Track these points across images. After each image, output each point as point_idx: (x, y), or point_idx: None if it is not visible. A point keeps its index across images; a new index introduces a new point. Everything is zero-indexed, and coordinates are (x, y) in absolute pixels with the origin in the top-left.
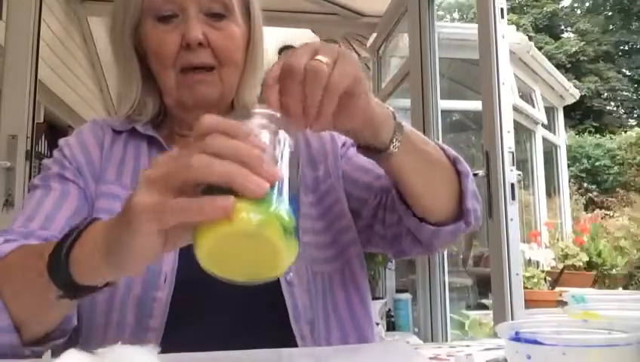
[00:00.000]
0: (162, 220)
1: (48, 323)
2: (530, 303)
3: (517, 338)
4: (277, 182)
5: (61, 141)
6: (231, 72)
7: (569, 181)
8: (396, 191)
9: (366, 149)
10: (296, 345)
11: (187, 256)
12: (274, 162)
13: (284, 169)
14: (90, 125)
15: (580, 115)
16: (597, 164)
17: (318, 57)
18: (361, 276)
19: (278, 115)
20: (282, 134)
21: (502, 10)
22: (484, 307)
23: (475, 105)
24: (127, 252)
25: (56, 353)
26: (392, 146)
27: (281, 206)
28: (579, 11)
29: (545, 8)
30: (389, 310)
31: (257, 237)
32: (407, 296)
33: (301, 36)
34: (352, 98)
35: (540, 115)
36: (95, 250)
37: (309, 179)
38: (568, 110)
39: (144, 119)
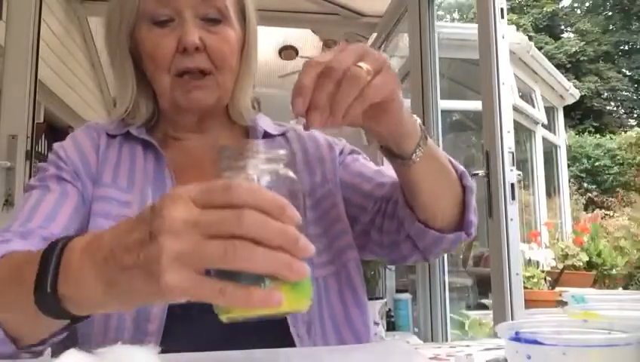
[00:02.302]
0: (194, 296)
1: (45, 333)
2: (530, 303)
3: (517, 338)
4: None
5: (56, 145)
6: (226, 76)
7: (569, 181)
8: (402, 197)
9: (388, 152)
10: (294, 345)
11: None
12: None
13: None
14: (85, 129)
15: (580, 115)
16: (597, 164)
17: (362, 64)
18: (358, 281)
19: (282, 151)
20: (290, 173)
21: (502, 10)
22: (484, 307)
23: (475, 105)
24: (143, 301)
25: (56, 352)
26: (414, 156)
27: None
28: (579, 11)
29: (545, 8)
30: (389, 310)
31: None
32: (407, 296)
33: (301, 36)
34: (384, 108)
35: (540, 115)
36: (93, 291)
37: (306, 183)
38: (568, 110)
39: (138, 122)
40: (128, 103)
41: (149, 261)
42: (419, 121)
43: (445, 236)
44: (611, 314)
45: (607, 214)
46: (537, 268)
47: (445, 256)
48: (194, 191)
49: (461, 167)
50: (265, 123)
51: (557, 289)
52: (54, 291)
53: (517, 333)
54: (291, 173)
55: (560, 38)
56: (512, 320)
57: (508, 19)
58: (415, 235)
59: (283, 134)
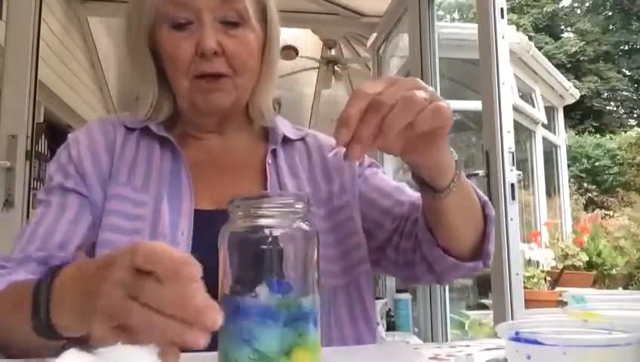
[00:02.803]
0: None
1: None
2: (530, 303)
3: (517, 338)
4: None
5: (70, 137)
6: (245, 78)
7: (569, 181)
8: (423, 219)
9: (420, 182)
10: None
11: None
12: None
13: (312, 272)
14: (100, 122)
15: (580, 115)
16: (597, 164)
17: (419, 92)
18: (368, 295)
19: (299, 206)
20: (303, 225)
21: (502, 10)
22: (484, 307)
23: (475, 105)
24: None
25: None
26: (446, 191)
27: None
28: (579, 11)
29: (545, 8)
30: (389, 310)
31: None
32: (407, 296)
33: (301, 36)
34: (430, 140)
35: (540, 115)
36: (74, 322)
37: (323, 192)
38: (568, 110)
39: (159, 119)
40: (151, 102)
41: (91, 311)
42: (456, 157)
43: (464, 264)
44: (611, 314)
45: (607, 214)
46: (537, 268)
47: None
48: (133, 252)
49: (484, 197)
50: (284, 126)
51: (557, 289)
52: (48, 320)
53: (517, 333)
54: (305, 226)
55: (560, 38)
56: (512, 320)
57: (508, 19)
58: (432, 259)
59: (302, 139)
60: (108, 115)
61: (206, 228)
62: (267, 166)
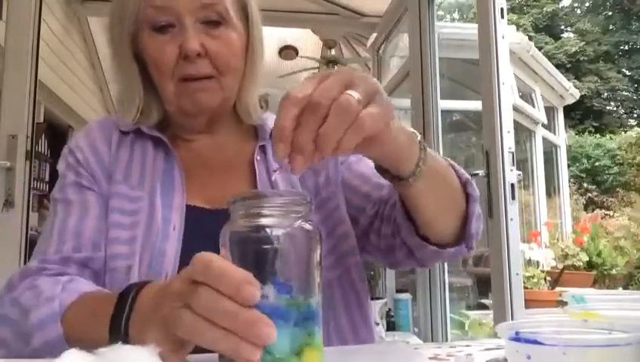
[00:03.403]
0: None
1: None
2: (530, 303)
3: (517, 338)
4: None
5: (72, 144)
6: (230, 78)
7: (569, 181)
8: (402, 209)
9: (384, 173)
10: None
11: (187, 263)
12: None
13: (316, 274)
14: (99, 123)
15: (580, 115)
16: (597, 164)
17: (350, 92)
18: (360, 284)
19: (299, 207)
20: (306, 225)
21: (502, 10)
22: (484, 307)
23: (475, 105)
24: None
25: None
26: (412, 178)
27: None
28: (579, 11)
29: (545, 8)
30: (389, 310)
31: None
32: (407, 296)
33: (301, 36)
34: (376, 139)
35: (540, 115)
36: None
37: (311, 184)
38: (568, 110)
39: (150, 123)
40: (137, 107)
41: (151, 321)
42: (419, 137)
43: (444, 251)
44: (611, 314)
45: (607, 214)
46: (537, 268)
47: None
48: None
49: (466, 175)
50: (272, 122)
51: (557, 289)
52: (126, 331)
53: (517, 333)
54: (307, 225)
55: (560, 38)
56: (512, 320)
57: (508, 19)
58: (412, 246)
59: None
60: (105, 117)
61: (197, 225)
62: (255, 162)
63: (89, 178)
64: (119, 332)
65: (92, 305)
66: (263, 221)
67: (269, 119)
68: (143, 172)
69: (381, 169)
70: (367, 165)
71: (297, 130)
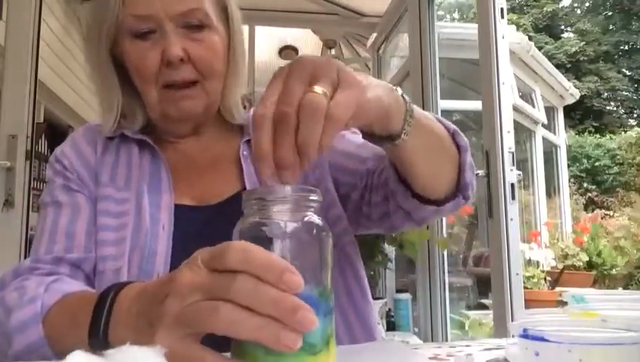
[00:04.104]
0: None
1: None
2: (530, 303)
3: (525, 335)
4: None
5: (57, 152)
6: (214, 81)
7: (569, 181)
8: (394, 173)
9: (372, 137)
10: None
11: (178, 262)
12: (318, 267)
13: (328, 270)
14: (84, 131)
15: (580, 115)
16: (597, 164)
17: (315, 88)
18: (357, 263)
19: (313, 196)
20: (316, 219)
21: (502, 10)
22: (484, 307)
23: (475, 105)
24: None
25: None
26: (403, 134)
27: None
28: (579, 11)
29: (545, 8)
30: (389, 310)
31: None
32: (407, 295)
33: (301, 36)
34: (357, 114)
35: (540, 115)
36: (131, 339)
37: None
38: (568, 110)
39: (135, 128)
40: (115, 115)
41: (156, 320)
42: (400, 92)
43: (444, 208)
44: (611, 314)
45: (607, 214)
46: (537, 268)
47: (445, 256)
48: (205, 254)
49: (452, 126)
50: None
51: (557, 289)
52: (105, 335)
53: (525, 330)
54: (318, 219)
55: (560, 38)
56: (512, 320)
57: (508, 19)
58: (409, 209)
59: None
60: (89, 124)
61: (186, 223)
62: (242, 158)
63: (77, 181)
64: (98, 336)
65: (73, 307)
66: (276, 216)
67: None
68: (129, 174)
69: (371, 135)
70: (348, 141)
71: (275, 147)
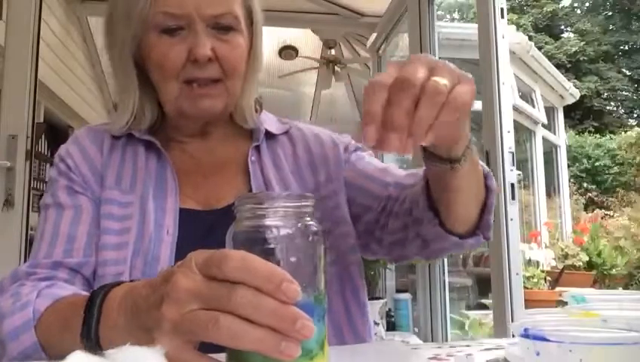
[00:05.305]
0: None
1: None
2: (530, 303)
3: (525, 334)
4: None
5: (61, 151)
6: (235, 82)
7: (569, 181)
8: (425, 199)
9: (434, 157)
10: None
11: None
12: (312, 274)
13: (320, 275)
14: (87, 131)
15: (579, 115)
16: (597, 164)
17: (437, 78)
18: (359, 282)
19: (306, 202)
20: (311, 224)
21: (502, 10)
22: (484, 307)
23: (475, 105)
24: None
25: None
26: (462, 159)
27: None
28: (579, 11)
29: (545, 8)
30: (389, 310)
31: None
32: (407, 296)
33: (301, 36)
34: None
35: (540, 115)
36: (122, 339)
37: (309, 183)
38: (568, 110)
39: (142, 127)
40: (131, 112)
41: (154, 325)
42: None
43: (465, 241)
44: (611, 314)
45: (607, 214)
46: (537, 268)
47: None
48: (200, 260)
49: (486, 167)
50: (268, 122)
51: (557, 289)
52: (97, 337)
53: (525, 330)
54: (313, 225)
55: (560, 38)
56: (512, 320)
57: (508, 19)
58: (431, 238)
59: (286, 132)
60: (92, 125)
61: (191, 228)
62: (250, 163)
63: (81, 183)
64: (90, 338)
65: (65, 311)
66: (270, 221)
67: (266, 117)
68: (134, 176)
69: (430, 154)
70: (369, 163)
71: (390, 108)
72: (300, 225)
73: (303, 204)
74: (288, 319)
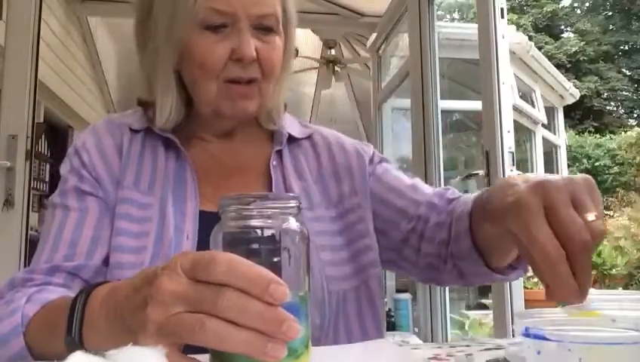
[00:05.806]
0: None
1: None
2: (530, 303)
3: (527, 334)
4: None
5: (78, 143)
6: (270, 83)
7: None
8: (470, 239)
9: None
10: None
11: None
12: (298, 277)
13: (303, 278)
14: (107, 124)
15: (579, 115)
16: (597, 164)
17: (589, 216)
18: (377, 297)
19: (292, 203)
20: (295, 224)
21: (502, 10)
22: (484, 307)
23: (475, 105)
24: None
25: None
26: None
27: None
28: (579, 11)
29: (545, 8)
30: (389, 310)
31: None
32: (407, 296)
33: (301, 36)
34: None
35: (540, 115)
36: (106, 340)
37: (333, 193)
38: (568, 110)
39: (167, 126)
40: (170, 111)
41: (138, 327)
42: None
43: (509, 277)
44: (611, 314)
45: (607, 214)
46: None
47: None
48: (186, 262)
49: None
50: (290, 125)
51: None
52: (80, 337)
53: (526, 329)
54: (297, 225)
55: (560, 38)
56: (512, 320)
57: (508, 19)
58: (473, 274)
59: (309, 137)
60: (111, 118)
61: (211, 231)
62: (272, 168)
63: (92, 182)
64: (74, 339)
65: (52, 314)
66: (255, 222)
67: (288, 120)
68: (153, 176)
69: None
70: (397, 178)
71: (576, 275)
72: (284, 225)
73: (288, 204)
74: (275, 322)
